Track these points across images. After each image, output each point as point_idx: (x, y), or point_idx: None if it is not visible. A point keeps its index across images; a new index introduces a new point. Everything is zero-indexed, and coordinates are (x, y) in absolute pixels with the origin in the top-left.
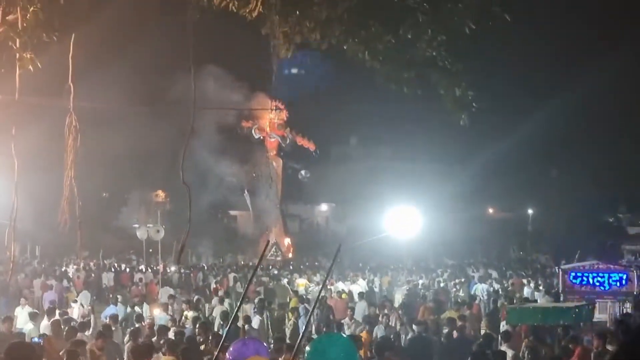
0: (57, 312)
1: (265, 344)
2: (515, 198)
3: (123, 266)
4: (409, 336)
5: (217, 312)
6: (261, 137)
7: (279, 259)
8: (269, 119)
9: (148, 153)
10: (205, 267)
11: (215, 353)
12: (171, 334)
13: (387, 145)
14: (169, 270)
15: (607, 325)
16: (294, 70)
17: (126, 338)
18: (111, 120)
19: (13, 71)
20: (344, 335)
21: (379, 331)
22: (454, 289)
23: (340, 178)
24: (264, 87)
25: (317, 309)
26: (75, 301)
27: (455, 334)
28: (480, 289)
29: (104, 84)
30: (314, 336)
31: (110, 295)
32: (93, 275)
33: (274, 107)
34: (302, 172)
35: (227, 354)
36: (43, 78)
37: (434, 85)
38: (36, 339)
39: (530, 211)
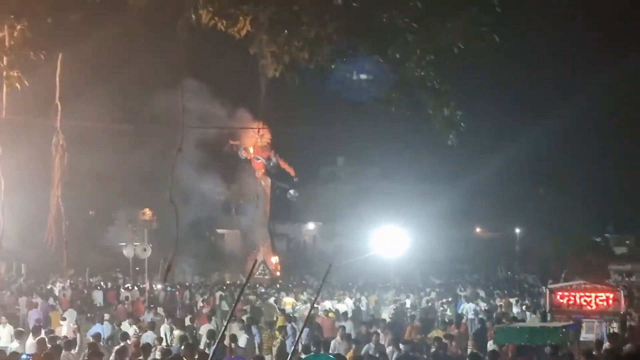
0: (43, 330)
1: None
2: (502, 218)
3: (109, 284)
4: (395, 355)
5: (203, 331)
6: (247, 158)
7: (266, 277)
8: (255, 140)
9: (135, 171)
10: (192, 286)
11: None
12: (158, 353)
13: (374, 165)
14: (155, 289)
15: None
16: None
17: (112, 357)
18: (98, 139)
19: (0, 89)
20: (331, 356)
21: (369, 350)
22: (442, 308)
23: (328, 197)
24: (251, 106)
25: (306, 328)
26: (65, 319)
27: (441, 352)
28: (467, 309)
29: (91, 103)
30: (302, 356)
31: (97, 314)
32: (86, 292)
33: (260, 128)
34: (291, 191)
35: None
36: (30, 96)
37: (422, 105)
38: (24, 357)
39: (517, 231)
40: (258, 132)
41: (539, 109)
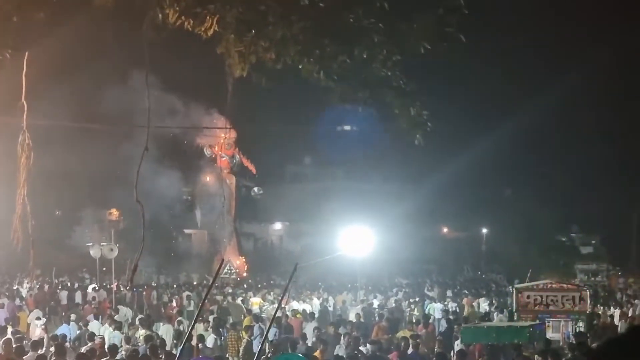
0: (10, 330)
1: None
2: (469, 218)
3: (76, 284)
4: (363, 356)
5: (163, 331)
6: (213, 155)
7: (233, 277)
8: (221, 138)
9: (102, 171)
10: (159, 286)
11: None
12: (124, 354)
13: (340, 165)
14: (122, 289)
15: (560, 345)
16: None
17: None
18: (64, 139)
19: None
20: (301, 355)
21: (339, 351)
22: (409, 309)
23: (294, 197)
24: (218, 105)
25: (274, 328)
26: (39, 318)
27: (409, 351)
28: (434, 308)
29: (58, 102)
30: (269, 356)
31: (64, 314)
32: (45, 292)
33: (226, 128)
34: (255, 189)
35: None
36: None
37: (388, 105)
38: None
39: (484, 231)
40: (224, 130)
41: (505, 109)
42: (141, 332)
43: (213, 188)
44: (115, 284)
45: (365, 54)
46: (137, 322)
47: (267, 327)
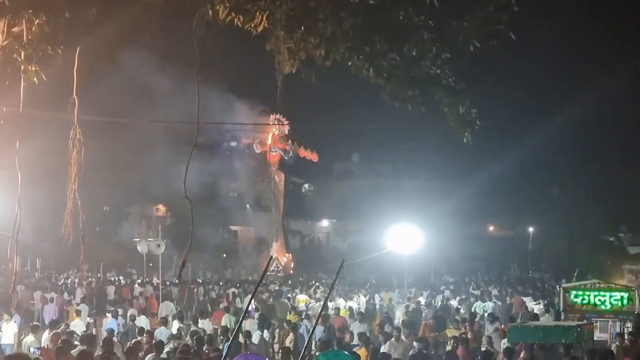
0: (62, 325)
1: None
2: (516, 216)
3: (122, 280)
4: (410, 353)
5: (210, 327)
6: (263, 152)
7: (279, 274)
8: (272, 132)
9: (149, 167)
10: (205, 282)
11: None
12: (170, 347)
13: (388, 162)
14: (168, 284)
15: (608, 345)
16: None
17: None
18: (113, 134)
19: (18, 84)
20: (347, 353)
21: (385, 349)
22: (455, 307)
23: (342, 194)
24: (268, 102)
25: (320, 326)
26: (80, 312)
27: (460, 349)
28: (481, 307)
29: (108, 97)
30: (316, 354)
31: (112, 309)
32: (93, 287)
33: (277, 121)
34: (306, 185)
35: None
36: (47, 91)
37: (437, 103)
38: (32, 349)
39: (531, 229)
40: (277, 123)
41: (555, 106)
42: (191, 328)
43: (261, 185)
44: (162, 279)
45: (415, 51)
46: (184, 318)
47: (313, 325)
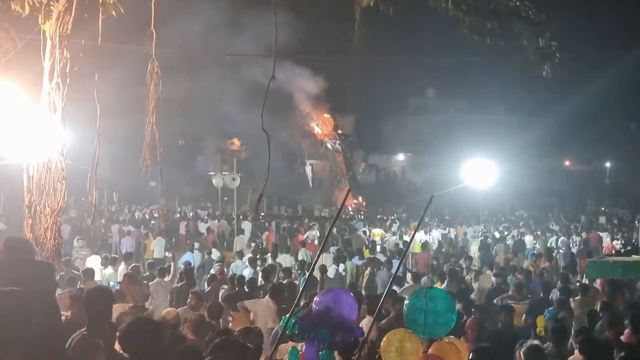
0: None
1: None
2: (592, 151)
3: (191, 214)
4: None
5: (287, 261)
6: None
7: (351, 208)
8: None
9: (225, 101)
10: (280, 216)
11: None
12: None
13: (463, 97)
14: (242, 218)
15: None
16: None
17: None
18: (189, 67)
19: (96, 17)
20: (441, 288)
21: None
22: (532, 242)
23: (417, 129)
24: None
25: (396, 260)
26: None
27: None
28: (557, 242)
29: (185, 31)
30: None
31: (187, 242)
32: (170, 221)
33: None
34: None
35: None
36: (126, 24)
37: (516, 36)
38: (112, 283)
39: (607, 164)
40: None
41: (635, 39)
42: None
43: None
44: (236, 213)
45: None
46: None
47: (388, 259)
